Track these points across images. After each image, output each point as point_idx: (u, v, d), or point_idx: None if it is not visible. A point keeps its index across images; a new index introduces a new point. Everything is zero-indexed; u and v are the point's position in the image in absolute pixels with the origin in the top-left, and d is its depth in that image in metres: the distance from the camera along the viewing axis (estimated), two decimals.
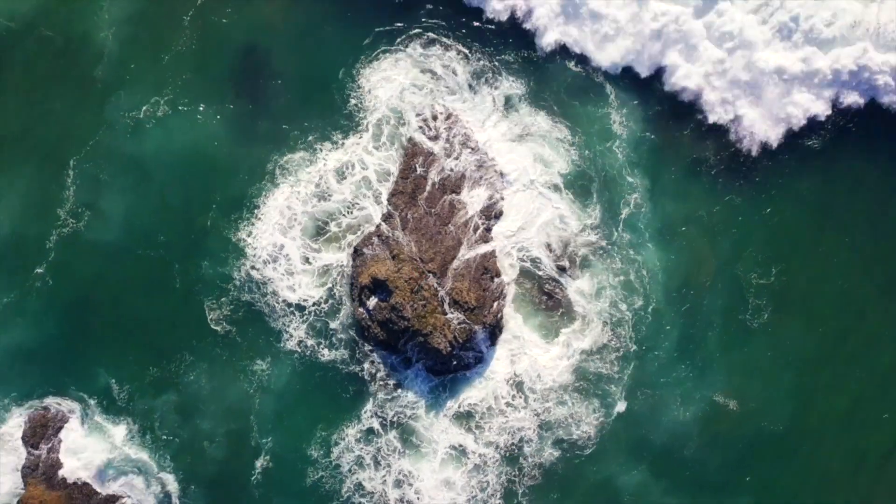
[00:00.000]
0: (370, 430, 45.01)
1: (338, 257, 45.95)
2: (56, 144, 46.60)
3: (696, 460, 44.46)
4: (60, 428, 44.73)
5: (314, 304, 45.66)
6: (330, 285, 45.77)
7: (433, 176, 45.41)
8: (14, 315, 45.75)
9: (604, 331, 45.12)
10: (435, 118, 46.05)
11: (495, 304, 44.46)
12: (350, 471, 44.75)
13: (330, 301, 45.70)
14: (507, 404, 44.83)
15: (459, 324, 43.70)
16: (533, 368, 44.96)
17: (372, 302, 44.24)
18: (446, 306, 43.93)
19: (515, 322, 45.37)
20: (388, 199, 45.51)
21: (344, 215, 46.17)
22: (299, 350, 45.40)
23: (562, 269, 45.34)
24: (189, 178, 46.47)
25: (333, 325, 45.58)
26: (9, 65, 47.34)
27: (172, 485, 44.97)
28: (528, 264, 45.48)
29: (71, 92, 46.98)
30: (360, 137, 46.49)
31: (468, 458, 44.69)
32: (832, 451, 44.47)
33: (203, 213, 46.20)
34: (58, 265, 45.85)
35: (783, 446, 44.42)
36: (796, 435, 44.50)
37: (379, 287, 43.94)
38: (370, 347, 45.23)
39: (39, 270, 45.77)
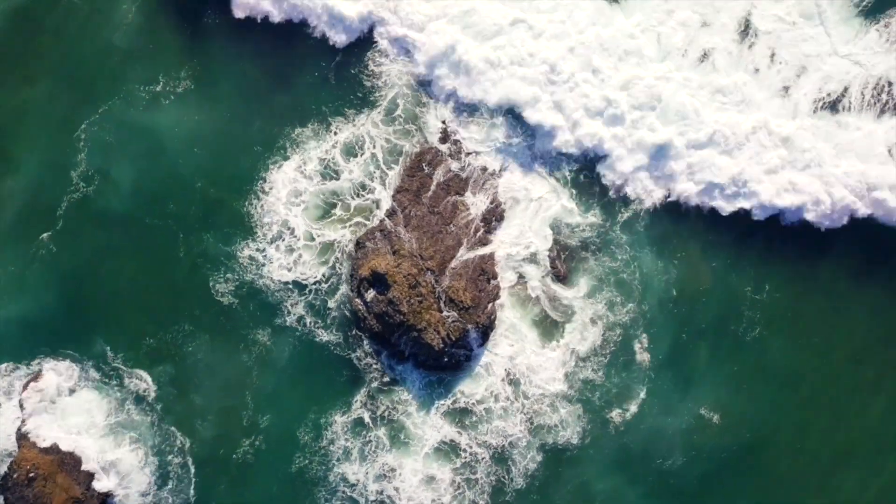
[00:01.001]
0: (359, 422, 45.28)
1: (341, 234, 46.29)
2: (75, 110, 47.32)
3: (676, 471, 44.44)
4: (58, 394, 45.07)
5: (315, 283, 46.00)
6: (331, 264, 46.11)
7: (439, 176, 45.86)
8: (19, 280, 46.29)
9: (597, 337, 45.30)
10: (443, 121, 46.60)
11: (490, 305, 44.84)
12: (338, 460, 45.06)
13: (330, 280, 46.01)
14: (504, 409, 45.10)
15: (453, 322, 44.17)
16: (527, 371, 45.19)
17: (370, 294, 44.73)
18: (442, 304, 44.39)
19: (511, 324, 45.60)
20: (393, 196, 45.98)
21: (351, 197, 46.57)
22: (299, 328, 45.72)
23: (558, 275, 45.70)
24: (201, 149, 46.98)
25: (332, 305, 45.94)
26: (40, 31, 48.18)
27: (165, 457, 45.20)
28: (525, 268, 45.80)
29: (93, 59, 47.72)
30: (372, 112, 46.84)
31: (457, 456, 44.89)
32: (814, 471, 44.56)
33: (212, 185, 46.73)
34: (65, 232, 46.37)
35: (766, 461, 44.44)
36: (780, 450, 44.46)
37: (378, 280, 44.39)
38: (363, 335, 45.63)
39: (44, 237, 46.32)
